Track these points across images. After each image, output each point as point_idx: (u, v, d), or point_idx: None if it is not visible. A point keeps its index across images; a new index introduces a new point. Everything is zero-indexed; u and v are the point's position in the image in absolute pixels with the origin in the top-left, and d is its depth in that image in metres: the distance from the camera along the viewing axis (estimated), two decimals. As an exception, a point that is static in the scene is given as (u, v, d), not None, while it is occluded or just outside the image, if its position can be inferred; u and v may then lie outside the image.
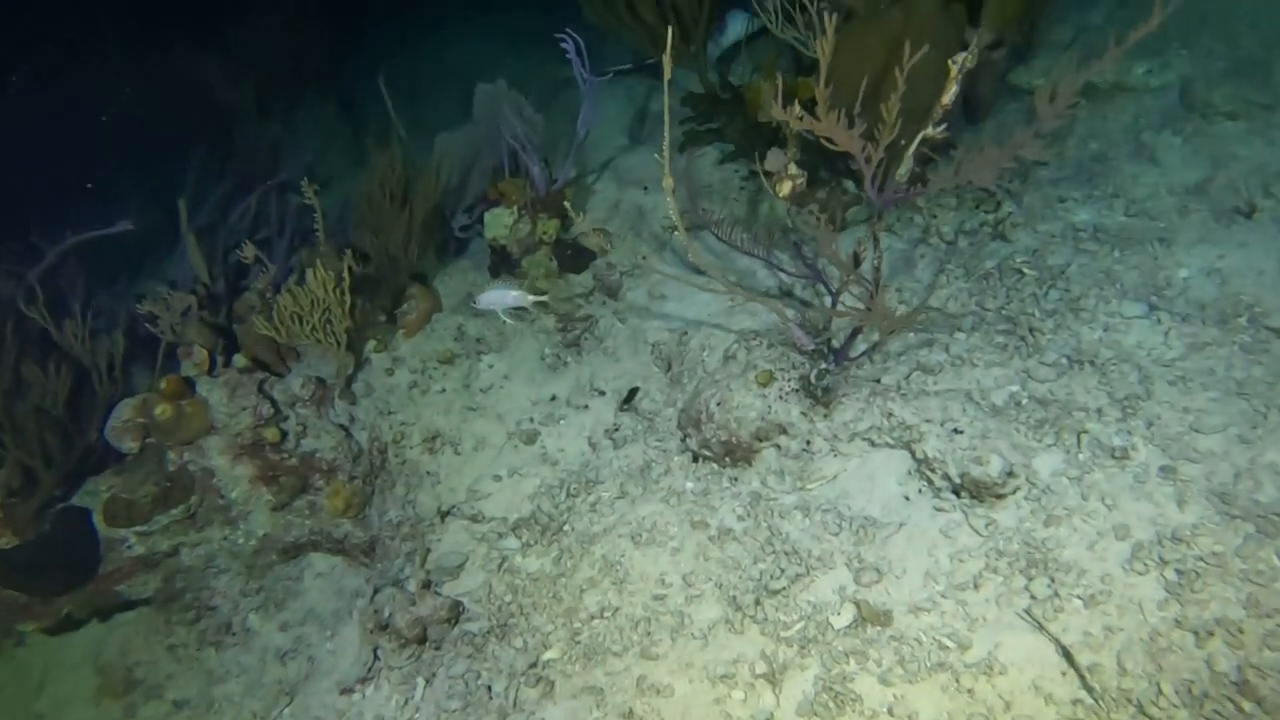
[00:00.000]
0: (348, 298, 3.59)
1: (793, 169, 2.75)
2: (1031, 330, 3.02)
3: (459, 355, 3.90)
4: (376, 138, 3.95)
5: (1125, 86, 4.11)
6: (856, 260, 2.85)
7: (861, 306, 2.88)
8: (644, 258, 3.87)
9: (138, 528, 3.52)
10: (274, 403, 3.68)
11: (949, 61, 2.64)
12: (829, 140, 2.52)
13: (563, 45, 3.61)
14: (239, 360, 3.71)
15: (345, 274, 3.57)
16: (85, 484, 3.87)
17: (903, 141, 2.82)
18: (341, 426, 3.72)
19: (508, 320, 3.74)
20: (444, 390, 3.82)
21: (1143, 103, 3.96)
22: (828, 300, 3.13)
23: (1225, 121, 3.68)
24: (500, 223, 3.87)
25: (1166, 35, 4.27)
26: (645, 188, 4.40)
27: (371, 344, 3.97)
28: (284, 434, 3.63)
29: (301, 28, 7.53)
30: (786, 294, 3.62)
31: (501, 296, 3.54)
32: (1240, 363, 2.67)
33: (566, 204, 2.95)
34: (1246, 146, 3.48)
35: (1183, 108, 3.84)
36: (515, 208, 3.84)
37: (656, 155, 2.83)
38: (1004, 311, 3.15)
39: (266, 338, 3.60)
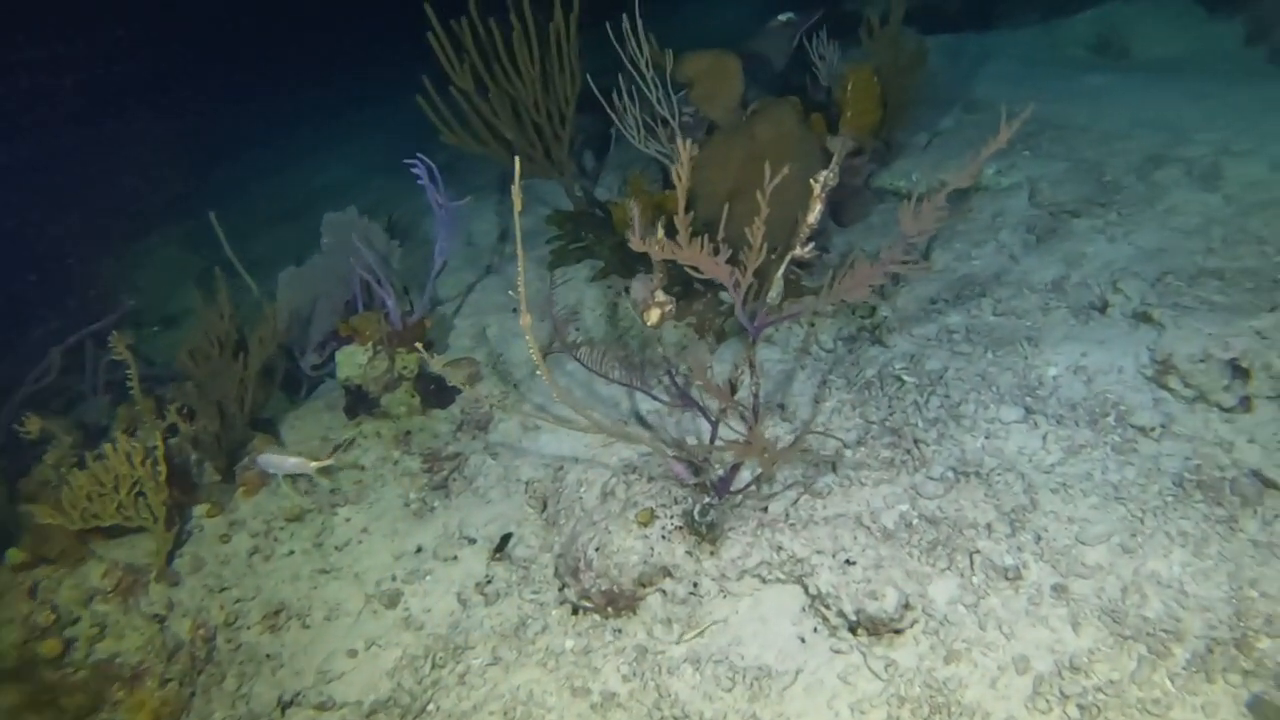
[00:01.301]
0: (162, 467, 3.30)
1: (660, 296, 2.76)
2: (916, 442, 3.08)
3: (310, 510, 3.63)
4: (200, 283, 3.75)
5: (979, 186, 4.44)
6: (733, 388, 2.84)
7: (742, 436, 2.86)
8: (506, 397, 3.77)
9: None
10: (54, 607, 3.27)
11: (811, 181, 2.73)
12: (694, 269, 2.53)
13: (414, 171, 3.58)
14: (12, 556, 3.31)
15: (163, 436, 3.29)
16: None
17: (773, 256, 2.91)
18: (156, 617, 3.34)
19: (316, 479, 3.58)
20: (292, 553, 3.53)
21: (998, 202, 4.27)
22: (708, 428, 3.11)
23: (1071, 219, 4.00)
24: (353, 361, 3.71)
25: (1011, 138, 4.68)
26: (514, 309, 4.35)
27: (202, 509, 3.65)
28: (69, 643, 3.21)
29: (152, 156, 7.32)
30: (666, 422, 3.59)
31: (280, 462, 3.46)
32: (1114, 465, 2.78)
33: (418, 346, 2.82)
34: (1092, 244, 3.77)
35: (1033, 206, 4.16)
36: (370, 344, 3.70)
37: (511, 292, 2.77)
38: (888, 424, 3.21)
39: (55, 526, 3.23)
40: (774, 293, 2.69)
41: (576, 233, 4.25)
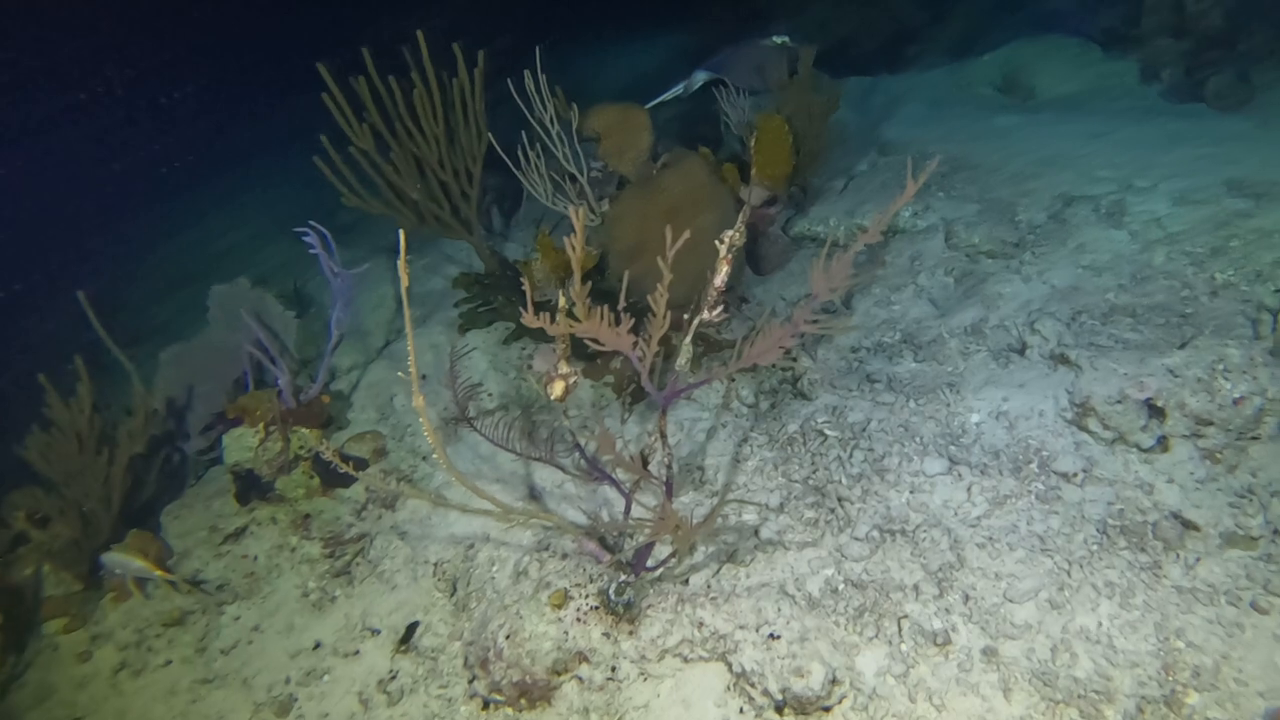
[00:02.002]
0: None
1: (564, 367, 2.67)
2: (840, 501, 3.04)
3: (192, 611, 3.39)
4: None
5: (895, 229, 4.51)
6: (645, 459, 2.76)
7: (656, 511, 2.77)
8: (414, 472, 3.63)
9: None
10: None
11: (716, 242, 2.69)
12: (594, 342, 2.44)
13: (304, 240, 3.45)
14: None
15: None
16: None
17: (685, 316, 2.85)
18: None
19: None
20: (169, 663, 3.28)
21: (915, 245, 4.33)
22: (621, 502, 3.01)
23: (986, 260, 4.08)
24: (242, 444, 3.52)
25: (928, 181, 4.79)
26: (424, 375, 4.21)
27: (56, 624, 3.37)
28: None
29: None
30: (582, 491, 3.48)
31: (126, 563, 3.33)
32: (1039, 515, 2.77)
33: (302, 433, 2.67)
34: (1008, 284, 3.84)
35: (949, 248, 4.23)
36: (261, 425, 3.51)
37: (401, 374, 2.65)
38: (811, 482, 3.16)
39: None
40: (682, 360, 2.62)
41: (486, 295, 4.15)
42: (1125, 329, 3.41)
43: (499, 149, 4.12)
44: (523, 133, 3.91)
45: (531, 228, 5.12)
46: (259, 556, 3.53)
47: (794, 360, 3.81)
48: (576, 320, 2.35)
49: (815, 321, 2.35)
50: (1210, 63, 5.23)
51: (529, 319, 2.20)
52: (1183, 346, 3.04)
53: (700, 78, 5.06)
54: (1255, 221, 3.80)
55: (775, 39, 4.87)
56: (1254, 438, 2.83)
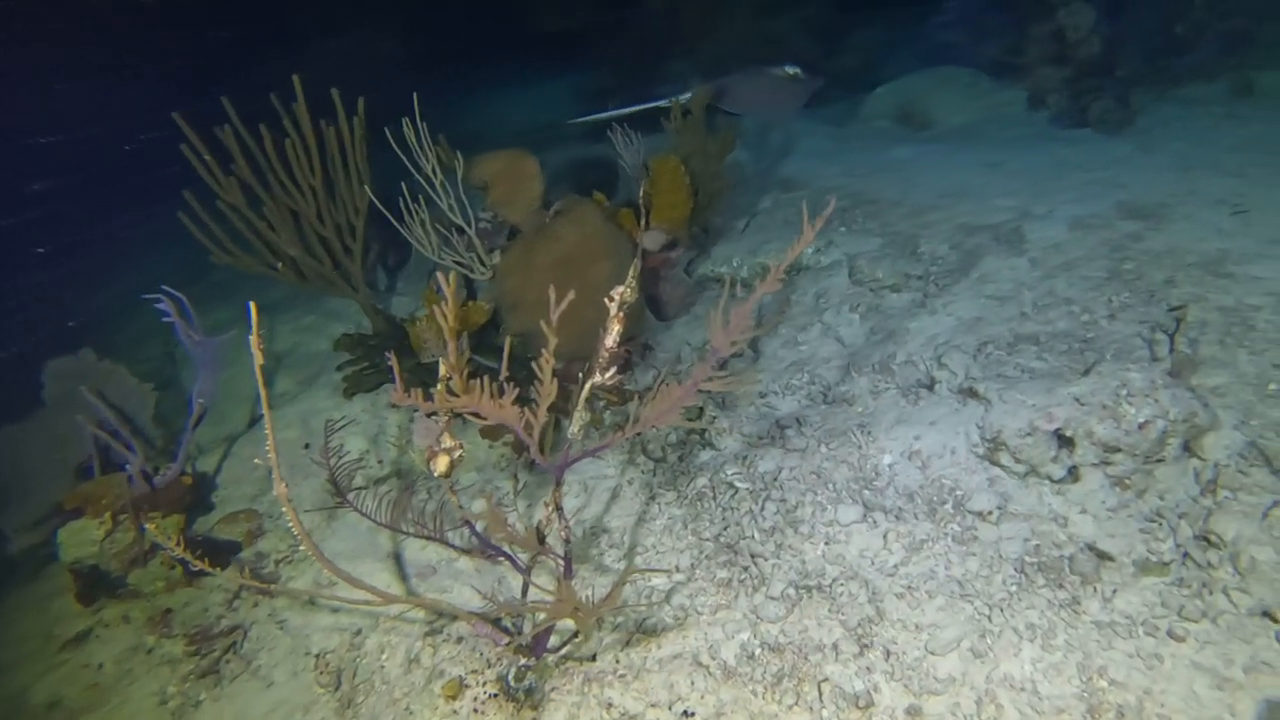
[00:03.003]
0: None
1: (448, 440, 2.52)
2: (754, 558, 2.96)
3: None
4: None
5: (799, 266, 4.54)
6: (541, 535, 2.62)
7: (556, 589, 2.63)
8: (294, 552, 3.39)
9: None
10: None
11: (606, 300, 2.60)
12: (476, 416, 2.30)
13: (157, 307, 3.21)
14: None
15: None
16: None
17: (582, 371, 2.74)
18: None
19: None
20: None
21: (820, 282, 4.36)
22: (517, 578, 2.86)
23: (891, 294, 4.13)
24: (82, 539, 3.22)
25: (829, 216, 4.86)
26: (306, 445, 3.99)
27: None
28: None
29: None
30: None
31: None
32: (956, 558, 2.74)
33: (159, 521, 2.44)
34: (914, 319, 3.88)
35: (853, 284, 4.27)
36: (108, 515, 3.23)
37: (257, 460, 2.45)
38: (723, 539, 3.07)
39: None
40: (576, 428, 2.52)
41: (371, 356, 3.98)
42: (1030, 358, 3.47)
43: (379, 204, 3.98)
44: (403, 184, 3.78)
45: (421, 280, 4.97)
46: (105, 664, 3.21)
47: (697, 416, 3.74)
48: (455, 394, 2.22)
49: (716, 378, 2.28)
50: (1091, 89, 5.51)
51: (399, 397, 2.05)
52: (1087, 373, 3.09)
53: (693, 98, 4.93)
54: (1146, 243, 3.96)
55: (787, 70, 4.82)
56: (1159, 460, 2.89)
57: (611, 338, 2.40)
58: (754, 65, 5.23)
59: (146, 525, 3.18)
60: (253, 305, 2.12)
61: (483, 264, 3.89)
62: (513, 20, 10.49)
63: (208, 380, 3.46)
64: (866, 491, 3.12)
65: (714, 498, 3.28)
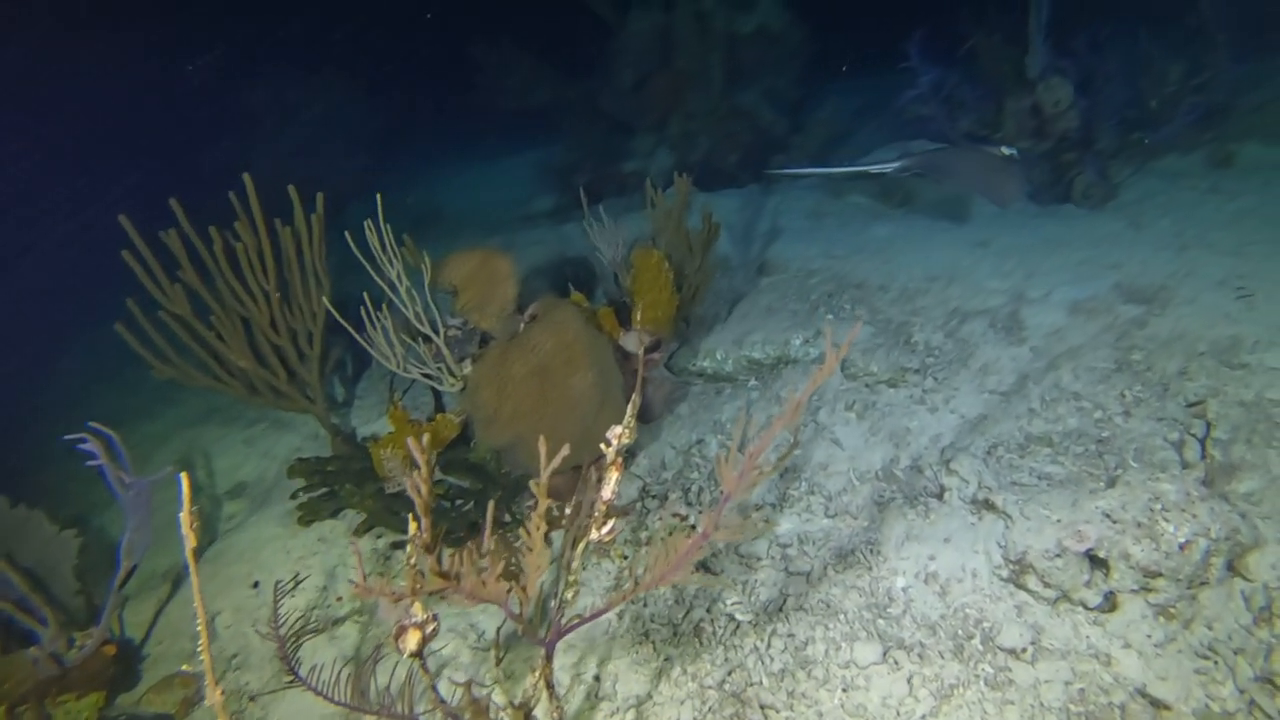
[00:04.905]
0: None
1: (418, 613, 2.20)
2: (764, 709, 2.65)
3: None
4: None
5: (788, 359, 4.32)
6: (527, 711, 2.30)
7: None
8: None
9: None
10: None
11: (602, 445, 2.32)
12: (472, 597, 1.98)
13: (80, 449, 2.87)
14: None
15: None
16: None
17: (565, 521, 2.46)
18: None
19: None
20: None
21: (810, 377, 4.12)
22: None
23: (888, 389, 3.91)
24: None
25: (813, 302, 4.67)
26: (255, 583, 3.63)
27: None
28: None
29: None
30: None
31: None
32: (993, 708, 2.47)
33: (69, 707, 2.09)
34: (914, 417, 3.67)
35: (846, 379, 4.05)
36: (2, 708, 2.81)
37: (188, 666, 2.13)
38: (727, 686, 2.76)
39: None
40: (570, 593, 2.23)
41: (328, 483, 3.64)
42: (1045, 461, 3.26)
43: (336, 314, 3.71)
44: (365, 294, 3.51)
45: (383, 387, 4.67)
46: None
47: (693, 526, 3.47)
48: (433, 576, 1.91)
49: (727, 528, 2.01)
50: (1071, 163, 5.45)
51: (360, 591, 1.75)
52: (1113, 484, 2.87)
53: (907, 172, 4.83)
54: (1151, 329, 3.80)
55: (1004, 150, 4.67)
56: (1203, 583, 2.65)
57: (609, 488, 2.13)
58: (967, 141, 5.18)
59: (52, 714, 2.77)
60: (184, 477, 1.82)
61: (452, 375, 3.61)
62: (475, 95, 10.40)
63: (139, 531, 3.09)
64: (881, 621, 2.85)
65: (714, 634, 2.98)
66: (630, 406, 2.28)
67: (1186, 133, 5.55)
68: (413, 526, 1.90)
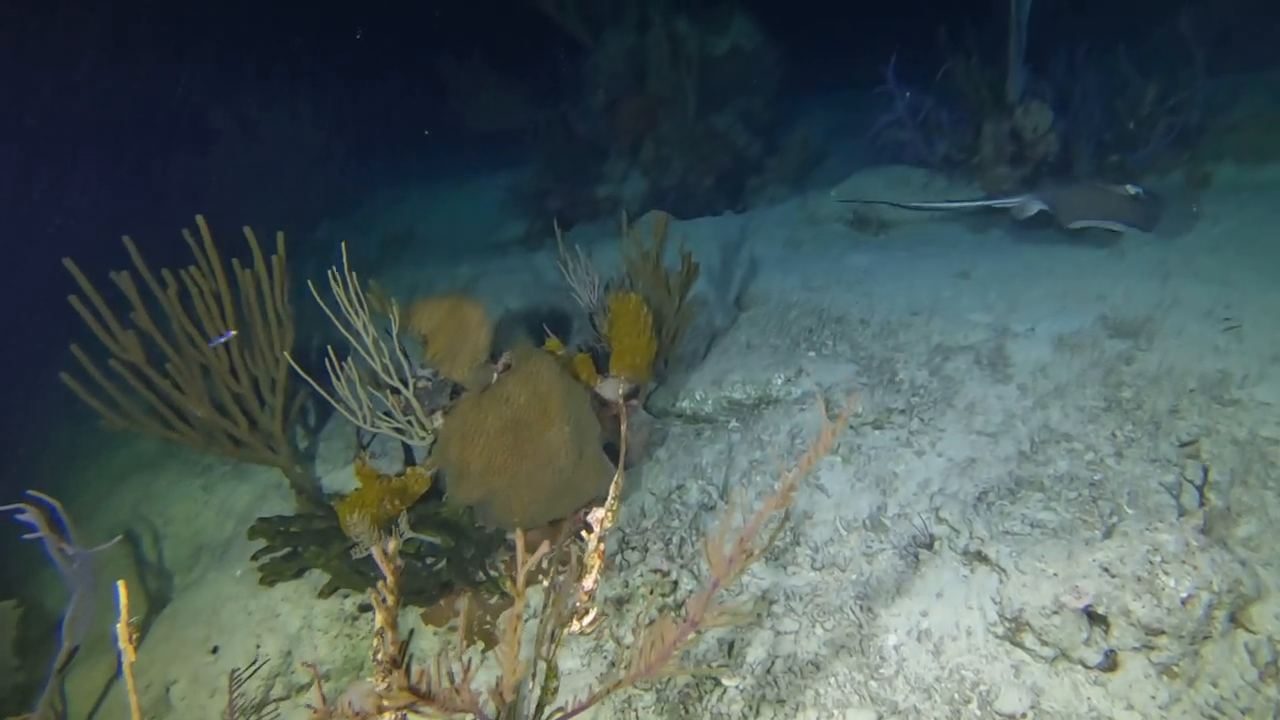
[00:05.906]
0: None
1: (387, 689, 2.07)
2: (753, 787, 2.53)
3: None
4: None
5: (769, 399, 4.22)
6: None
7: None
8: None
9: None
10: None
11: (585, 533, 2.21)
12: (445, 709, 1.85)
13: (18, 520, 2.71)
14: None
15: None
16: None
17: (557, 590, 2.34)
18: None
19: None
20: None
21: (792, 418, 4.03)
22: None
23: (873, 431, 3.82)
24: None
25: (794, 337, 4.58)
26: (215, 648, 3.46)
27: None
28: None
29: None
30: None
31: None
32: (996, 783, 2.36)
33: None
34: (901, 461, 3.58)
35: (829, 420, 3.95)
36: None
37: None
38: (715, 759, 2.64)
39: None
40: (547, 691, 2.11)
41: (290, 544, 3.49)
42: (1038, 507, 3.18)
43: (297, 368, 3.57)
44: (329, 347, 3.38)
45: (348, 432, 4.52)
46: None
47: (675, 583, 3.36)
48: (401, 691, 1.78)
49: (717, 614, 1.90)
50: (1049, 188, 5.42)
51: (320, 715, 1.62)
52: (1109, 535, 2.80)
53: (1033, 207, 4.98)
54: (1139, 365, 3.75)
55: (1129, 189, 4.78)
56: (1206, 638, 2.58)
57: (591, 578, 2.01)
58: (1088, 179, 5.35)
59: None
60: (121, 585, 1.68)
61: (422, 428, 3.48)
62: (444, 115, 10.25)
63: (82, 606, 2.93)
64: (873, 683, 2.75)
65: (700, 700, 2.86)
66: (614, 485, 2.17)
67: (1164, 154, 5.55)
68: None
